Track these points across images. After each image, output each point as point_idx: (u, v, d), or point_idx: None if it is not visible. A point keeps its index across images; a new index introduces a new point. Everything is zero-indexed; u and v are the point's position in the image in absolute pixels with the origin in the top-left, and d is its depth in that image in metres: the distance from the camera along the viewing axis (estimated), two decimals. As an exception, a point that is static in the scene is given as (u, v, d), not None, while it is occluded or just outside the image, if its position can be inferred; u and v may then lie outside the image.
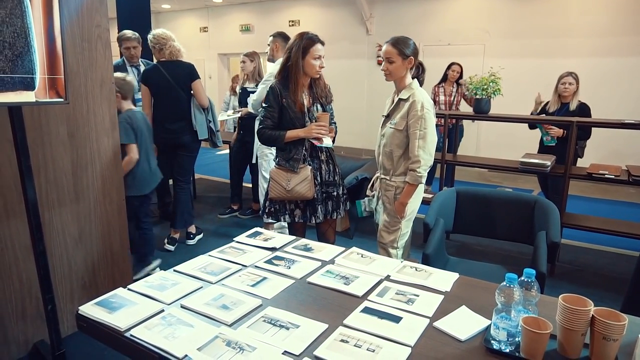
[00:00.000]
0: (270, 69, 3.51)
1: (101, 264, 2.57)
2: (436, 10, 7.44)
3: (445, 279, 1.61)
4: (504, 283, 1.18)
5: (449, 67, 5.45)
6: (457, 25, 7.27)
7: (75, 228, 2.42)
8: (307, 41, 2.28)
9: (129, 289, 1.50)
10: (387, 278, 1.61)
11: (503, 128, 6.74)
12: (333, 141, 2.53)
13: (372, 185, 2.58)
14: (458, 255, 3.33)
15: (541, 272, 1.99)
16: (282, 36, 3.68)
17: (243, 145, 4.43)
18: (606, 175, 3.05)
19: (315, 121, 2.35)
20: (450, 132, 5.35)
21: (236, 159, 4.63)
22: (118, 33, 5.15)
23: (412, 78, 2.34)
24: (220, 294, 1.46)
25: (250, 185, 4.65)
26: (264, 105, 2.38)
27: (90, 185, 2.47)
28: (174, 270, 1.66)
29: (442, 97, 5.33)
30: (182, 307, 1.39)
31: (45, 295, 1.99)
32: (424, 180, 2.28)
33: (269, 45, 3.72)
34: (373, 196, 2.56)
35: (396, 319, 1.33)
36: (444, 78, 5.40)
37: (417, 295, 1.48)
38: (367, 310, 1.38)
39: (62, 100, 1.83)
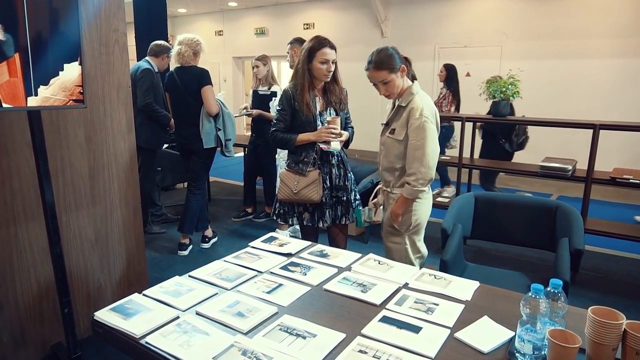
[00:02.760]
0: None
1: (117, 266, 2.58)
2: (452, 12, 7.37)
3: (465, 287, 1.56)
4: (530, 294, 1.14)
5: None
6: (474, 27, 7.19)
7: (91, 230, 2.43)
8: (315, 44, 2.26)
9: (144, 295, 1.49)
10: (406, 286, 1.57)
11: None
12: (347, 145, 2.50)
13: (374, 196, 2.47)
14: (475, 261, 3.26)
15: (565, 280, 1.92)
16: (299, 42, 3.68)
17: (256, 148, 4.43)
18: (631, 180, 2.96)
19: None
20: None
21: (249, 162, 4.63)
22: (135, 37, 5.23)
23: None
24: (235, 301, 1.44)
25: (263, 188, 4.65)
26: (277, 108, 2.38)
27: (107, 188, 2.48)
28: (189, 276, 1.64)
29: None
30: (198, 314, 1.37)
31: (62, 298, 2.00)
32: (421, 195, 2.12)
33: (288, 52, 3.73)
34: (374, 206, 2.44)
35: (416, 329, 1.29)
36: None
37: (437, 304, 1.44)
38: (385, 320, 1.34)
39: (80, 104, 1.83)
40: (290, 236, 3.94)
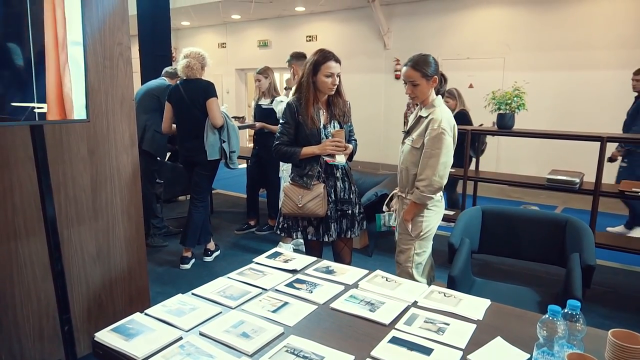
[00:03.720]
0: None
1: (118, 282, 2.54)
2: (454, 23, 7.39)
3: (476, 305, 1.52)
4: (547, 315, 1.10)
5: None
6: (476, 39, 7.20)
7: (93, 246, 2.40)
8: (320, 58, 2.26)
9: (146, 314, 1.45)
10: (415, 304, 1.53)
11: (522, 142, 6.61)
12: (351, 158, 2.47)
13: (389, 201, 2.52)
14: (481, 274, 3.21)
15: (577, 297, 1.88)
16: (295, 57, 3.69)
17: (258, 160, 4.41)
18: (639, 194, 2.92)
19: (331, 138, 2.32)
20: None
21: (252, 174, 4.60)
22: (139, 50, 5.25)
23: (436, 92, 2.27)
24: (240, 321, 1.39)
25: (266, 200, 4.61)
26: (281, 121, 2.35)
27: (109, 202, 2.45)
28: (192, 294, 1.60)
29: (407, 110, 5.57)
30: (201, 334, 1.33)
31: (63, 315, 1.96)
32: (432, 202, 2.22)
33: (290, 69, 3.74)
34: (391, 211, 2.51)
35: (427, 351, 1.24)
36: None
37: (448, 324, 1.39)
38: (395, 341, 1.30)
39: (83, 118, 1.81)
40: (294, 250, 3.93)
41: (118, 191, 2.48)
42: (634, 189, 3.00)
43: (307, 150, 2.29)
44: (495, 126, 3.49)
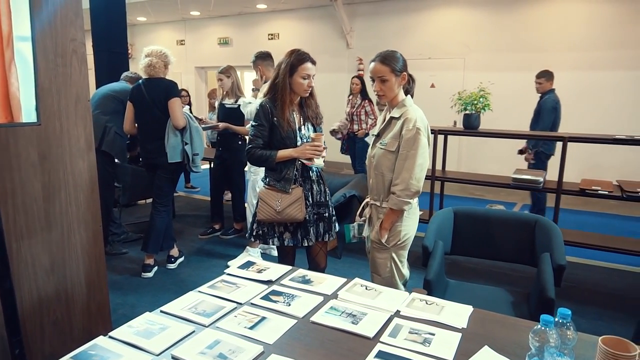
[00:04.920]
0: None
1: (76, 297, 2.36)
2: (416, 24, 7.49)
3: (459, 312, 1.49)
4: (539, 325, 1.07)
5: (351, 81, 5.87)
6: (437, 39, 7.32)
7: (46, 258, 2.21)
8: (296, 59, 2.17)
9: (110, 337, 1.32)
10: (397, 314, 1.48)
11: (483, 142, 6.78)
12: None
13: (362, 210, 2.38)
14: (451, 274, 3.24)
15: (550, 298, 1.90)
16: (260, 57, 3.59)
17: (222, 162, 4.27)
18: (599, 192, 3.02)
19: (308, 141, 2.25)
20: (350, 143, 5.70)
21: (215, 176, 4.46)
22: (93, 46, 4.96)
23: (405, 92, 2.18)
24: (215, 340, 1.30)
25: (231, 204, 4.47)
26: (253, 124, 2.25)
27: (64, 211, 2.26)
28: (161, 312, 1.48)
29: (348, 109, 5.83)
30: (174, 358, 1.22)
31: (12, 338, 1.78)
32: (408, 207, 2.11)
33: (257, 69, 3.63)
34: (363, 222, 2.37)
35: (415, 365, 1.20)
36: (350, 90, 5.85)
37: (433, 334, 1.35)
38: (381, 356, 1.24)
39: (33, 121, 1.65)
40: (262, 254, 3.83)
41: (74, 199, 2.29)
42: (593, 187, 3.10)
43: (284, 153, 2.20)
44: (457, 126, 3.53)
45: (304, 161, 2.23)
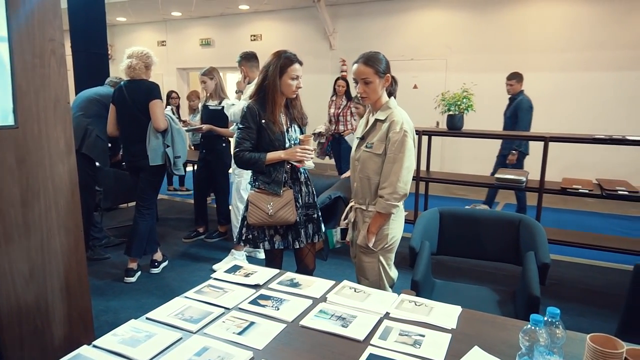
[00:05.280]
0: (251, 87, 3.38)
1: (56, 304, 2.29)
2: (398, 25, 7.53)
3: (448, 313, 1.49)
4: (529, 325, 1.08)
5: (335, 82, 5.89)
6: (419, 41, 7.38)
7: (25, 264, 2.14)
8: (285, 60, 2.16)
9: (94, 346, 1.28)
10: (387, 316, 1.48)
11: (465, 142, 6.86)
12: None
13: (346, 215, 2.34)
14: (436, 274, 3.26)
15: (536, 296, 1.92)
16: (245, 58, 3.55)
17: (206, 164, 4.22)
18: (580, 190, 3.08)
19: (298, 143, 2.24)
20: (334, 145, 5.70)
21: (199, 179, 4.40)
22: (71, 47, 4.86)
23: (388, 93, 2.16)
24: (203, 347, 1.27)
25: (215, 206, 4.43)
26: (240, 126, 2.22)
27: (43, 216, 2.20)
28: (147, 319, 1.45)
29: (332, 110, 5.83)
30: (161, 366, 1.20)
31: (-10, 348, 1.72)
32: (395, 210, 2.09)
33: (241, 69, 3.59)
34: (347, 226, 2.33)
35: (406, 367, 1.19)
36: (335, 92, 5.86)
37: (423, 336, 1.35)
38: (373, 358, 1.23)
39: (11, 124, 1.60)
40: (247, 257, 3.79)
41: (53, 203, 2.23)
42: (574, 186, 3.16)
43: (273, 155, 2.18)
44: (439, 127, 3.57)
45: (295, 163, 2.22)
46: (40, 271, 2.20)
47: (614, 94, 6.18)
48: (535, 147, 3.42)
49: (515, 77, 4.83)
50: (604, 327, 2.85)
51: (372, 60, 2.06)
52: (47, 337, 2.22)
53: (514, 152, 4.55)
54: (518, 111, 4.61)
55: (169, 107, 3.59)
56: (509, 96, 4.85)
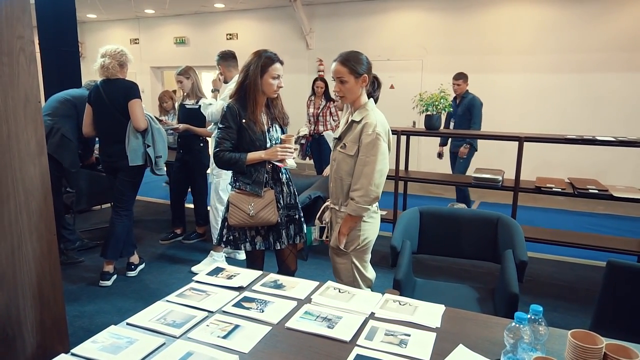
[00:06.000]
0: (230, 86, 3.33)
1: (28, 312, 2.20)
2: (375, 25, 7.59)
3: (432, 312, 1.51)
4: (513, 323, 1.10)
5: (314, 83, 5.92)
6: (395, 41, 7.45)
7: (-6, 271, 2.05)
8: (266, 60, 2.14)
9: (72, 354, 1.24)
10: (372, 316, 1.48)
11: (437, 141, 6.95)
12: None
13: (322, 214, 2.35)
14: (415, 272, 3.30)
15: (515, 293, 1.96)
16: (222, 57, 3.51)
17: (184, 164, 4.15)
18: (553, 189, 3.17)
19: (278, 143, 2.22)
20: (314, 145, 5.78)
21: (176, 179, 4.33)
22: (39, 44, 4.69)
23: (368, 95, 2.16)
24: (187, 352, 1.24)
25: (193, 207, 4.36)
26: (220, 126, 2.19)
27: (13, 220, 2.11)
28: (127, 324, 1.41)
29: (311, 110, 5.89)
30: (144, 373, 1.17)
31: (-41, 360, 1.64)
32: (368, 214, 2.10)
33: (218, 69, 3.55)
34: (325, 224, 2.32)
35: (393, 367, 1.20)
36: (313, 92, 5.90)
37: (408, 335, 1.36)
38: (360, 359, 1.23)
39: (-21, 125, 1.52)
40: (227, 258, 3.75)
41: (24, 207, 2.15)
42: (548, 185, 3.25)
43: (254, 155, 2.16)
44: (416, 126, 3.61)
45: (276, 163, 2.20)
46: (11, 278, 2.12)
47: (580, 94, 6.39)
48: (509, 147, 3.50)
49: (462, 77, 5.02)
50: (575, 321, 2.94)
51: (349, 60, 2.05)
52: (19, 346, 2.14)
53: (467, 145, 4.77)
54: (472, 109, 4.82)
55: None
56: (455, 95, 5.01)
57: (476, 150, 4.91)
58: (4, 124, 2.03)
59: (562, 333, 1.30)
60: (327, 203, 2.33)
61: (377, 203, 2.16)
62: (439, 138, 5.26)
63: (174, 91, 5.46)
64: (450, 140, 5.12)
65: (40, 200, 2.22)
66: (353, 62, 2.04)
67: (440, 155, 5.46)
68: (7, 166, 2.07)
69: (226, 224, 2.24)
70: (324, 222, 2.33)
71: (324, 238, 2.34)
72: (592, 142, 3.14)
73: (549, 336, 1.29)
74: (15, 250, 2.13)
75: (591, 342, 1.09)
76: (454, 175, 3.84)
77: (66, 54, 4.82)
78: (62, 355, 1.23)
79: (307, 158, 6.09)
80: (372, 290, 2.29)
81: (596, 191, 3.09)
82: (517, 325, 1.09)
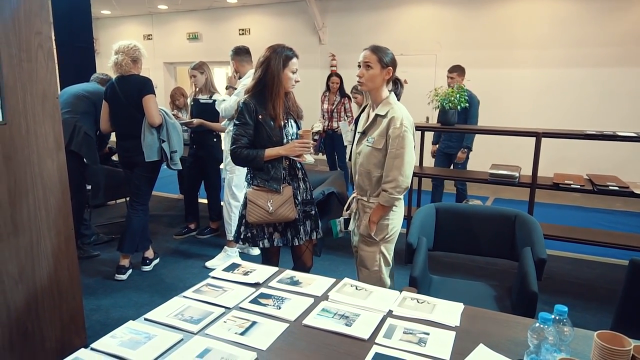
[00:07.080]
0: (244, 81, 3.33)
1: (47, 306, 2.23)
2: (388, 20, 7.51)
3: (451, 310, 1.48)
4: (537, 323, 1.07)
5: (329, 79, 5.81)
6: (409, 36, 7.38)
7: (14, 266, 2.08)
8: (289, 53, 2.17)
9: (92, 349, 1.25)
10: (390, 314, 1.47)
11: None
12: None
13: (349, 205, 2.43)
14: (431, 269, 3.27)
15: (534, 291, 1.93)
16: (236, 53, 3.53)
17: (197, 160, 4.16)
18: (572, 185, 3.11)
19: (297, 138, 2.23)
20: (327, 141, 5.77)
21: (189, 175, 4.34)
22: (55, 40, 4.73)
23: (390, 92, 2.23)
24: (205, 349, 1.24)
25: (206, 202, 4.37)
26: (236, 122, 2.18)
27: (32, 215, 2.14)
28: (145, 319, 1.41)
29: (325, 106, 5.79)
30: (163, 369, 1.17)
31: (-20, 352, 1.67)
32: (397, 202, 2.18)
33: (232, 63, 3.55)
34: (349, 216, 2.41)
35: (413, 366, 1.18)
36: (328, 88, 5.80)
37: (427, 334, 1.34)
38: (378, 358, 1.22)
39: (-1, 121, 1.54)
40: (240, 253, 3.76)
41: (43, 202, 2.17)
42: (566, 181, 3.19)
43: (272, 151, 2.16)
44: (429, 122, 3.56)
45: (295, 158, 2.21)
46: (30, 273, 2.15)
47: (595, 89, 6.26)
48: (524, 143, 3.43)
49: (457, 70, 4.62)
50: (594, 320, 2.89)
51: (379, 50, 2.16)
52: (38, 340, 2.17)
53: (464, 150, 4.50)
54: (469, 107, 4.49)
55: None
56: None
57: (471, 151, 4.64)
58: (22, 120, 2.05)
59: (587, 334, 1.27)
60: (353, 195, 2.40)
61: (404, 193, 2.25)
62: (432, 137, 4.99)
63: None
64: (441, 139, 4.79)
65: (58, 196, 2.24)
66: (382, 53, 2.15)
67: (434, 154, 5.15)
68: (26, 161, 2.09)
69: (244, 221, 2.24)
70: (349, 212, 2.41)
71: (349, 229, 2.40)
72: (613, 137, 3.07)
73: (577, 338, 1.26)
74: (34, 245, 2.16)
75: (618, 344, 1.06)
76: (468, 172, 3.78)
77: (81, 50, 4.87)
78: (82, 350, 1.24)
79: (320, 154, 6.07)
80: (392, 283, 2.31)
81: (616, 188, 3.02)
82: (541, 325, 1.07)
